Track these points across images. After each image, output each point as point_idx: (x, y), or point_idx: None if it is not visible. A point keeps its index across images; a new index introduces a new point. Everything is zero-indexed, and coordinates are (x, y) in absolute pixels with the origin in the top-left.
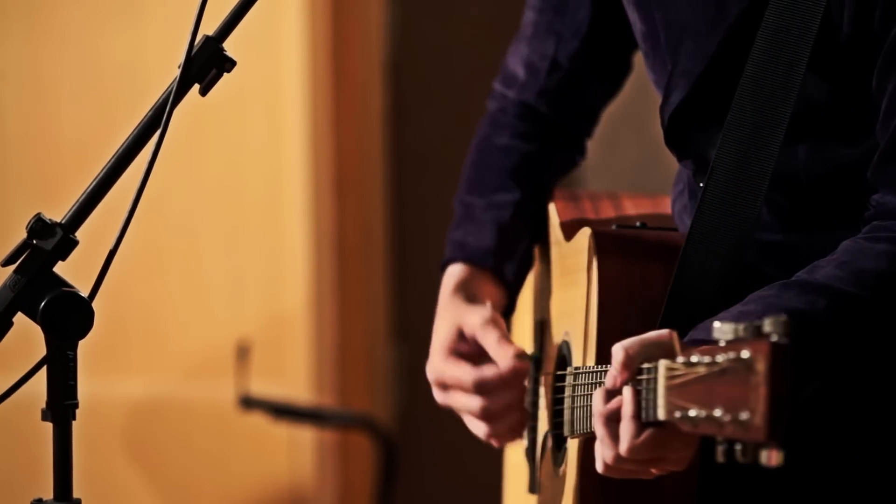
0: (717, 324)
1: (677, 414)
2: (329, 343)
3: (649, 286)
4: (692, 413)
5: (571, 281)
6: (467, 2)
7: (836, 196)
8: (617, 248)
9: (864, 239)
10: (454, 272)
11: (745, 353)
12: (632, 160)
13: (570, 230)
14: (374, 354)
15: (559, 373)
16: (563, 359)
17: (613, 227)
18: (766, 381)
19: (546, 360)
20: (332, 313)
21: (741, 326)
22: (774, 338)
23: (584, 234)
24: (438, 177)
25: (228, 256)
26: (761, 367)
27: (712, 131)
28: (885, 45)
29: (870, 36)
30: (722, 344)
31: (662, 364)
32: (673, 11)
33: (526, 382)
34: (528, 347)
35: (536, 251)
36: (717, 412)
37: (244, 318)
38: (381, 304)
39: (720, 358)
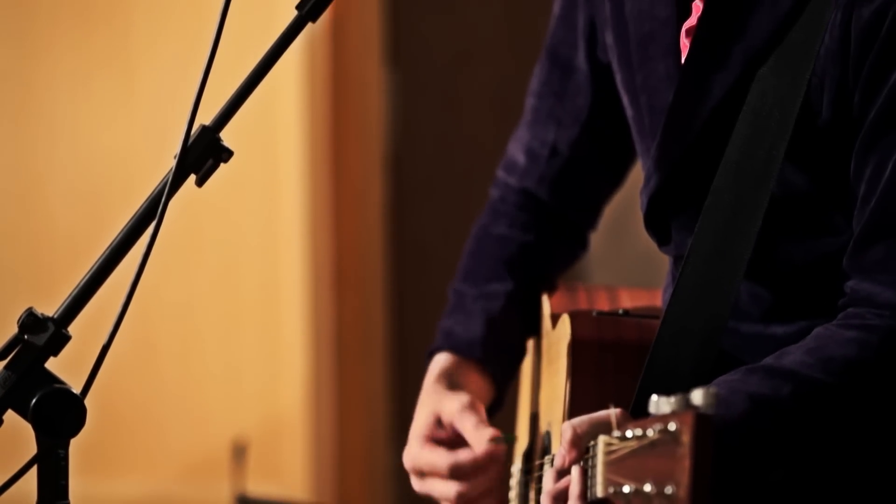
0: (653, 397)
1: (612, 490)
2: (327, 442)
3: (623, 371)
4: (626, 489)
5: (554, 370)
6: (468, 93)
7: (818, 286)
8: (593, 335)
9: (835, 326)
10: (439, 360)
11: (672, 426)
12: (639, 252)
13: (557, 320)
14: (374, 454)
15: (538, 462)
16: (546, 450)
17: (594, 314)
18: (690, 452)
19: (534, 452)
20: (331, 412)
21: (673, 399)
22: (700, 409)
23: (564, 321)
24: (439, 272)
25: (225, 353)
26: (686, 438)
27: (691, 216)
28: (862, 131)
29: (848, 122)
30: (655, 416)
31: (601, 440)
32: (656, 95)
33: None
34: (526, 442)
35: (531, 343)
36: (647, 487)
37: (241, 416)
38: (380, 403)
39: (650, 431)
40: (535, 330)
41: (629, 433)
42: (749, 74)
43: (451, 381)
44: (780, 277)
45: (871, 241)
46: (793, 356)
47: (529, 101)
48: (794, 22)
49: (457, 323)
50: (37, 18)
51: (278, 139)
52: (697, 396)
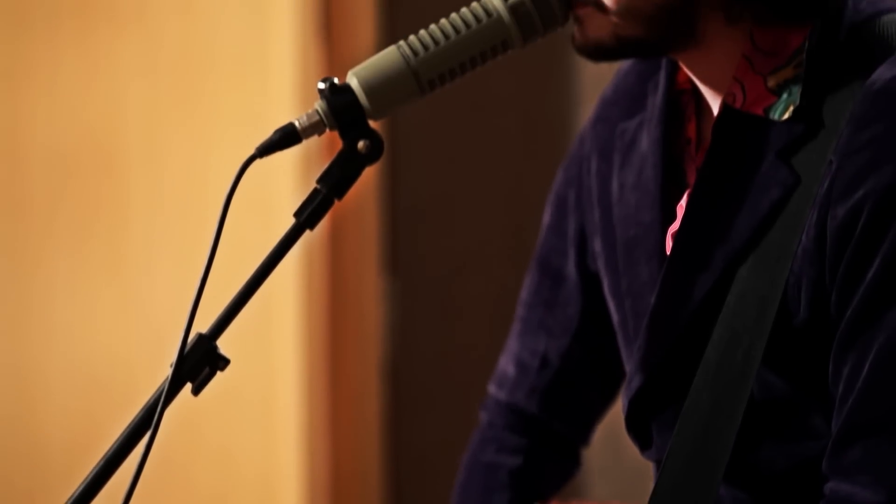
0: None
1: None
2: None
3: None
4: None
5: None
6: (466, 303)
7: (799, 491)
8: None
9: None
10: None
11: None
12: (640, 464)
13: None
14: None
15: None
16: None
17: None
18: None
19: None
20: None
21: None
22: None
23: None
24: (438, 483)
25: None
26: None
27: (672, 418)
28: (840, 331)
29: (826, 322)
30: None
31: None
32: (640, 299)
33: None
34: None
35: None
36: None
37: None
38: None
39: None
40: None
41: None
42: (729, 275)
43: None
44: (760, 481)
45: (849, 442)
46: None
47: (519, 312)
48: (772, 223)
49: None
50: (33, 226)
51: (275, 347)
52: None
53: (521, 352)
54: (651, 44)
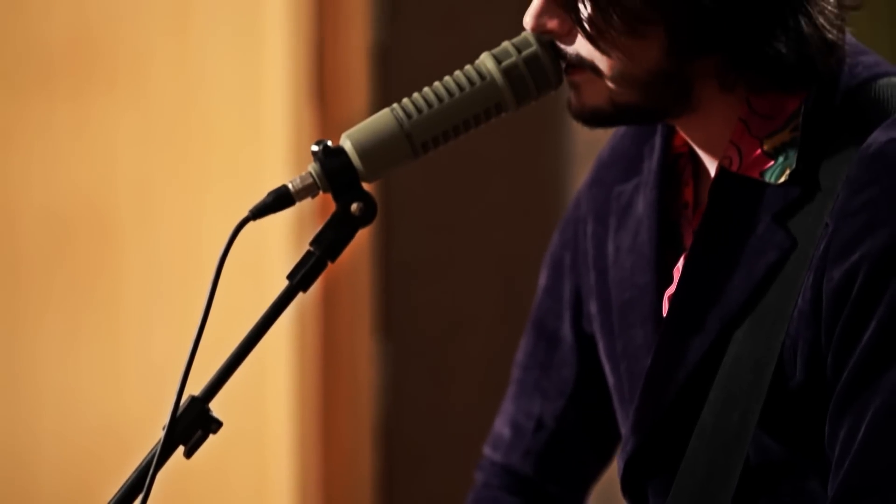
0: None
1: None
2: None
3: None
4: None
5: None
6: (460, 365)
7: None
8: None
9: None
10: None
11: None
12: None
13: None
14: None
15: None
16: None
17: None
18: None
19: None
20: None
21: None
22: None
23: None
24: None
25: None
26: None
27: (667, 481)
28: (836, 393)
29: (822, 385)
30: None
31: None
32: (635, 362)
33: None
34: None
35: None
36: None
37: None
38: None
39: None
40: None
41: None
42: (725, 338)
43: None
44: None
45: None
46: None
47: (515, 374)
48: (769, 285)
49: None
50: (27, 289)
51: (268, 409)
52: None
53: (516, 414)
54: (647, 110)
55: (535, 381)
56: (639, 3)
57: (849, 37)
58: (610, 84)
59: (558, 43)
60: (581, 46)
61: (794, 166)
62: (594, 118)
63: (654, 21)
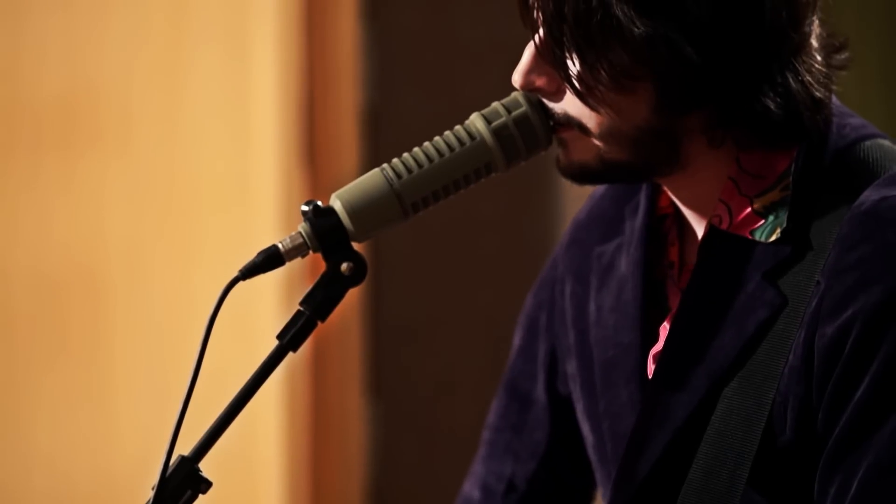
0: None
1: None
2: None
3: None
4: None
5: None
6: (449, 425)
7: None
8: None
9: None
10: None
11: None
12: None
13: None
14: None
15: None
16: None
17: None
18: None
19: None
20: None
21: None
22: None
23: None
24: None
25: None
26: None
27: None
28: (827, 450)
29: (812, 441)
30: None
31: None
32: (619, 421)
33: None
34: None
35: None
36: None
37: None
38: None
39: None
40: None
41: None
42: (714, 395)
43: None
44: None
45: None
46: None
47: (485, 435)
48: (759, 343)
49: None
50: (16, 349)
51: (258, 469)
52: None
53: (486, 476)
54: (636, 167)
55: (507, 443)
56: (627, 59)
57: (836, 100)
58: (598, 142)
59: (546, 101)
60: (569, 105)
61: (784, 225)
62: (582, 175)
63: (642, 77)
